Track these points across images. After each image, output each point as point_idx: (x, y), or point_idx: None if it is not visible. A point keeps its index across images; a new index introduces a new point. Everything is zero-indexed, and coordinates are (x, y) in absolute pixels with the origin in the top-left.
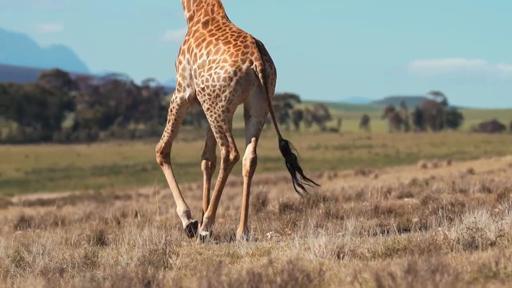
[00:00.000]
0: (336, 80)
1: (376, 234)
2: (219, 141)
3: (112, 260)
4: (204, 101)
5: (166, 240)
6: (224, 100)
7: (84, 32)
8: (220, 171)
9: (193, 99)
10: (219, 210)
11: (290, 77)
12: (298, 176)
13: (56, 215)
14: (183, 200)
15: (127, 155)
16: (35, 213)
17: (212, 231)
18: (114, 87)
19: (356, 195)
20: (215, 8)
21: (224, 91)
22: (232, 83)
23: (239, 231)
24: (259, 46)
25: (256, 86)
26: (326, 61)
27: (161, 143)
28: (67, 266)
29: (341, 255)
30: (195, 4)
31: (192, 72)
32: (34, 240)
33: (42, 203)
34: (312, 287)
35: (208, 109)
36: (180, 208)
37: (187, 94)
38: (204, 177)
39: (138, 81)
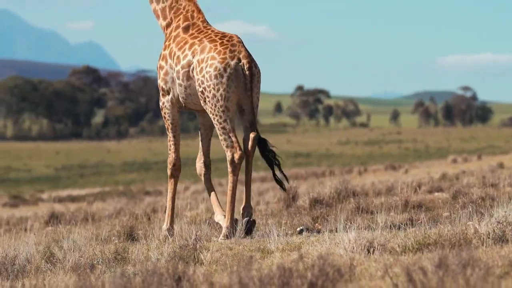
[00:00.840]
0: (366, 75)
1: (407, 228)
2: (223, 143)
3: (143, 256)
4: (205, 104)
5: (196, 235)
6: (221, 99)
7: (114, 29)
8: (229, 175)
9: (177, 101)
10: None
11: (320, 73)
12: (277, 171)
13: (86, 211)
14: (172, 220)
15: (157, 151)
16: (66, 209)
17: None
18: (144, 83)
19: (386, 190)
20: (195, 14)
21: (218, 89)
22: (224, 80)
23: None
24: (244, 45)
25: (243, 83)
26: (356, 56)
27: (172, 156)
28: (97, 262)
29: (372, 249)
30: (172, 12)
31: (175, 74)
32: (64, 236)
33: (73, 199)
34: (343, 282)
35: (210, 111)
36: (164, 226)
37: (170, 97)
38: (203, 179)
39: None
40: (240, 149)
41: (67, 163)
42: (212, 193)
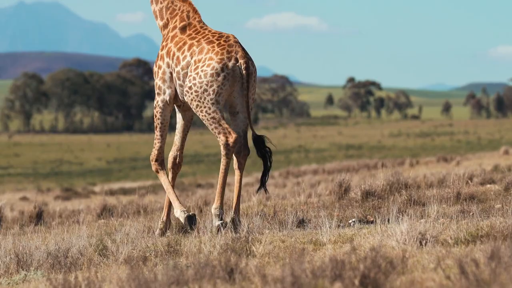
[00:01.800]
0: (417, 67)
1: (459, 220)
2: (215, 131)
3: (195, 248)
4: (192, 100)
5: (248, 227)
6: (212, 93)
7: None
8: (222, 158)
9: (173, 100)
10: (302, 198)
11: (371, 65)
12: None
13: (138, 204)
14: (179, 202)
15: (208, 144)
16: (118, 202)
17: (225, 220)
18: None
19: (438, 181)
20: (191, 14)
21: (211, 86)
22: (220, 78)
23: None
24: (241, 45)
25: (240, 83)
26: (407, 48)
27: (154, 152)
28: (150, 254)
29: (424, 241)
30: (168, 13)
31: (175, 75)
32: (117, 229)
33: (124, 192)
34: (395, 274)
35: (197, 105)
36: (177, 209)
37: (167, 96)
38: (171, 175)
39: None
40: (234, 132)
41: (119, 156)
42: (172, 189)
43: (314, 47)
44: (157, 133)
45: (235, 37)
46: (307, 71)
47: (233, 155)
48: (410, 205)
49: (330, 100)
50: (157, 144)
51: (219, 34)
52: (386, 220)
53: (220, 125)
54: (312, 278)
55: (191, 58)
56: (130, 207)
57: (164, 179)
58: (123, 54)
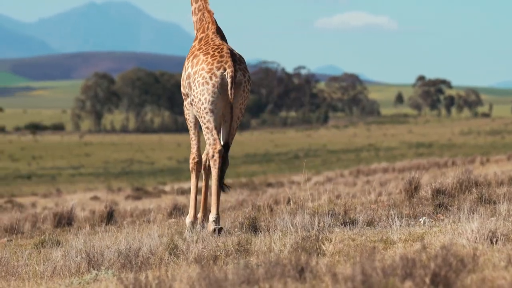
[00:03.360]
0: (487, 65)
1: None
2: (207, 141)
3: (265, 247)
4: (194, 107)
5: (319, 226)
6: (205, 102)
7: (235, 21)
8: (212, 169)
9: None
10: (372, 196)
11: (442, 63)
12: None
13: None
14: (195, 211)
15: (278, 143)
16: (188, 201)
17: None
18: (266, 75)
19: (508, 179)
20: (209, 25)
21: (203, 95)
22: (209, 87)
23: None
24: (234, 56)
25: (227, 91)
26: (478, 45)
27: (192, 152)
28: (220, 253)
29: (495, 240)
30: (199, 24)
31: (186, 83)
32: (187, 228)
33: None
34: (466, 272)
35: (197, 113)
36: (189, 217)
37: (189, 100)
38: (204, 176)
39: (289, 69)
40: (219, 143)
41: (189, 155)
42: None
43: (384, 46)
44: (191, 134)
45: (229, 49)
46: (377, 69)
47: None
48: (480, 203)
49: (400, 99)
50: (192, 144)
51: (217, 46)
52: (457, 218)
53: (212, 135)
54: (382, 276)
55: (191, 69)
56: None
57: (193, 182)
58: None
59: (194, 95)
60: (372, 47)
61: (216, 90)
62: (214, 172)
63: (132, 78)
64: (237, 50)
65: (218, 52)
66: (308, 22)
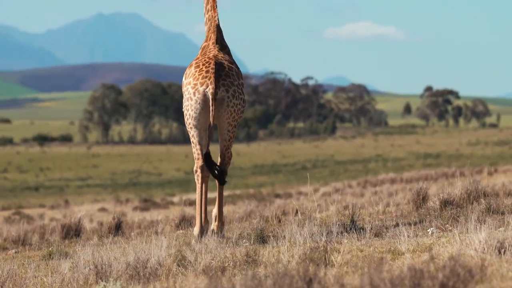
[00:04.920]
0: (495, 75)
1: None
2: (193, 154)
3: (273, 258)
4: (184, 118)
5: (327, 237)
6: (190, 118)
7: (243, 32)
8: (196, 182)
9: None
10: (380, 207)
11: (449, 73)
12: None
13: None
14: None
15: (286, 154)
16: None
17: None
18: (273, 86)
19: None
20: (211, 35)
21: (188, 110)
22: (192, 102)
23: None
24: (221, 71)
25: (209, 106)
26: (485, 55)
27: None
28: (228, 264)
29: (503, 250)
30: (207, 33)
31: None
32: (196, 239)
33: None
34: (474, 282)
35: (185, 126)
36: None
37: None
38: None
39: (296, 80)
40: (201, 160)
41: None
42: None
43: (392, 56)
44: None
45: (214, 64)
46: (385, 80)
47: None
48: (488, 214)
49: (407, 109)
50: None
51: (209, 59)
52: (465, 229)
53: (196, 149)
54: (390, 287)
55: (185, 80)
56: (208, 217)
57: (198, 191)
58: None
59: (183, 108)
60: (380, 57)
61: (198, 106)
62: (198, 187)
63: (139, 89)
64: (245, 60)
65: (206, 67)
66: (316, 33)
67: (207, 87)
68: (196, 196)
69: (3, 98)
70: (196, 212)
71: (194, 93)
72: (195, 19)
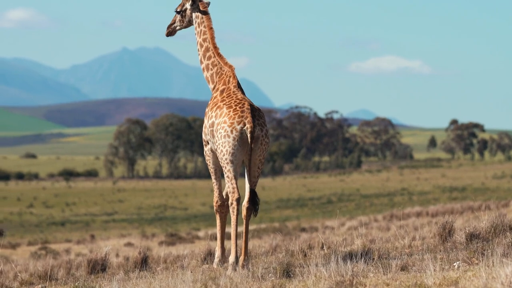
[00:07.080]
0: None
1: None
2: (227, 189)
3: None
4: (218, 155)
5: (353, 271)
6: (226, 153)
7: (268, 66)
8: (231, 215)
9: (214, 151)
10: (406, 241)
11: (474, 106)
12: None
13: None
14: (223, 251)
15: (312, 188)
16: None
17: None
18: (298, 120)
19: None
20: (230, 80)
21: (225, 146)
22: (230, 139)
23: (240, 259)
24: (254, 112)
25: (247, 144)
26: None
27: (215, 196)
28: None
29: None
30: (217, 77)
31: (208, 131)
32: (221, 273)
33: (228, 237)
34: None
35: (220, 161)
36: (216, 258)
37: (209, 146)
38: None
39: (321, 114)
40: (237, 193)
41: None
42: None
43: (417, 90)
44: (213, 179)
45: (250, 104)
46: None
47: (242, 206)
48: None
49: (433, 143)
50: (215, 188)
51: (240, 100)
52: (491, 262)
53: (231, 184)
54: None
55: (216, 119)
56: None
57: (218, 223)
58: None
59: (217, 145)
60: (405, 91)
61: (236, 143)
62: (233, 218)
63: (165, 124)
64: (269, 94)
65: (240, 107)
66: (341, 67)
67: (244, 125)
68: (232, 226)
69: (29, 133)
70: (231, 242)
71: (231, 131)
72: (224, 54)
